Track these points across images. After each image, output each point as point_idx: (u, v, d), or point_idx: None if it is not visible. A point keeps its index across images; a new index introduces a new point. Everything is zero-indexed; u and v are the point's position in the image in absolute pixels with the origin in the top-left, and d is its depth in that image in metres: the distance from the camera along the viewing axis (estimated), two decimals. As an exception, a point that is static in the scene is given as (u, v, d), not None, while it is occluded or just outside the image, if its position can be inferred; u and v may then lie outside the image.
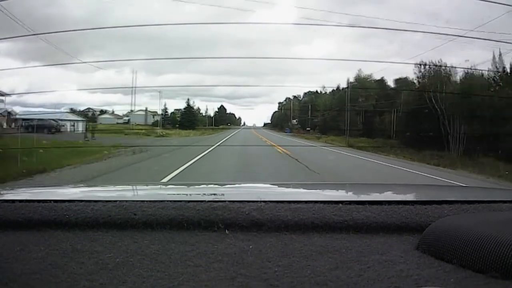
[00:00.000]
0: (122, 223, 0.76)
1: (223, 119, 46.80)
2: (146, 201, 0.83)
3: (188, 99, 35.87)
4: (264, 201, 0.80)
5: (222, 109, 46.11)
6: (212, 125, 41.43)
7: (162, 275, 0.61)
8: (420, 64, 21.13)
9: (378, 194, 1.22)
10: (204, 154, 13.66)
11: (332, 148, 19.73)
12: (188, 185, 1.60)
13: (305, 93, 36.37)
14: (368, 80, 26.71)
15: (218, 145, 18.46)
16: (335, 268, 0.63)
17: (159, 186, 1.49)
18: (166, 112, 34.91)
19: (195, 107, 37.13)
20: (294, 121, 38.38)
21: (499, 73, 18.13)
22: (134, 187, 1.36)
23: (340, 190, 1.38)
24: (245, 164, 11.38)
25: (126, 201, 0.82)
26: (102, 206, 0.79)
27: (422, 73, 21.58)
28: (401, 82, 24.65)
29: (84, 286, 0.58)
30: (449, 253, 0.63)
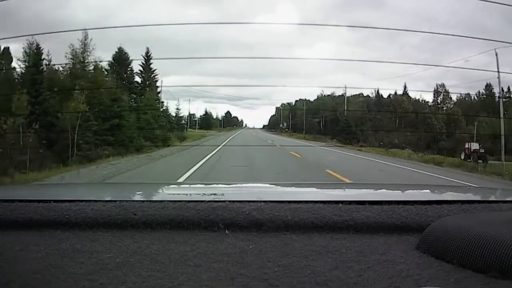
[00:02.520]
0: (122, 223, 0.76)
1: (229, 122, 61.55)
2: (146, 201, 0.83)
3: (206, 109, 49.49)
4: (264, 201, 0.80)
5: (228, 113, 61.50)
6: (221, 127, 55.33)
7: (162, 275, 0.61)
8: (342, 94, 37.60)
9: (378, 194, 1.21)
10: (234, 135, 36.81)
11: (288, 138, 35.16)
12: (188, 185, 1.60)
13: (296, 101, 46.63)
14: (330, 96, 40.27)
15: (236, 135, 39.32)
16: (335, 268, 0.63)
17: (159, 186, 1.49)
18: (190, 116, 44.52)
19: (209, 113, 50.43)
20: (285, 124, 48.75)
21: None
22: (134, 187, 1.36)
23: (340, 190, 1.38)
24: (245, 137, 32.81)
25: (126, 201, 0.82)
26: (102, 206, 0.79)
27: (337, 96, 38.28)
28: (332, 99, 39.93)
29: (84, 286, 0.58)
30: (449, 253, 0.63)
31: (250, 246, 0.69)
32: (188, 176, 8.97)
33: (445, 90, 29.90)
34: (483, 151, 18.86)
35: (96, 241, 0.71)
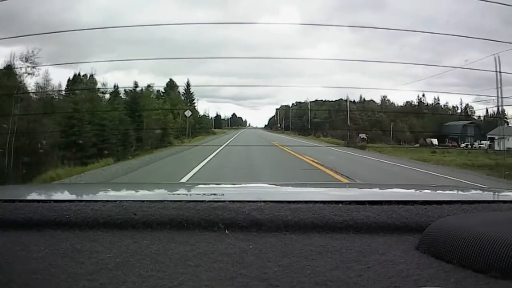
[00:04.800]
0: (122, 223, 0.76)
1: (235, 122, 72.35)
2: (146, 201, 0.83)
3: (217, 112, 57.67)
4: (264, 201, 0.80)
5: (234, 115, 72.05)
6: (229, 126, 63.90)
7: (162, 275, 0.61)
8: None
9: (378, 194, 1.21)
10: (240, 132, 42.74)
11: (274, 134, 43.36)
12: (188, 185, 1.60)
13: (293, 104, 54.13)
14: (310, 102, 48.38)
15: (241, 132, 44.55)
16: (335, 268, 0.63)
17: (159, 186, 1.49)
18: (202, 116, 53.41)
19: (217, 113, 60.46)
20: (279, 124, 57.98)
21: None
22: (134, 187, 1.36)
23: (340, 190, 1.38)
24: (246, 134, 40.06)
25: (126, 201, 0.82)
26: (102, 206, 0.79)
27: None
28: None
29: (84, 286, 0.58)
30: (449, 253, 0.63)
31: (250, 246, 0.69)
32: (236, 136, 31.33)
33: (388, 99, 42.29)
34: (366, 138, 32.91)
35: (96, 241, 0.71)
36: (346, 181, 8.47)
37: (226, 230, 0.74)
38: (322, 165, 11.40)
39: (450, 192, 1.35)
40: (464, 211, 0.82)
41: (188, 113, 28.58)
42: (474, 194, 1.23)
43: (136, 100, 21.45)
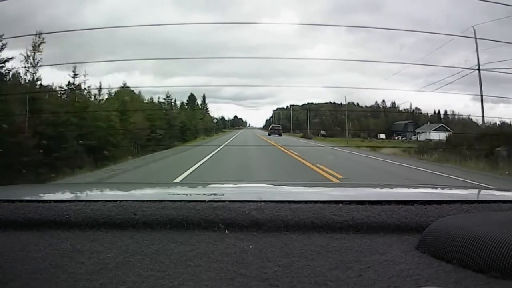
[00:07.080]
0: (122, 223, 0.76)
1: (236, 123, 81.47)
2: (146, 201, 0.83)
3: (222, 115, 66.83)
4: (264, 201, 0.80)
5: (235, 117, 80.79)
6: (231, 127, 71.06)
7: (162, 275, 0.61)
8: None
9: (378, 194, 1.21)
10: (241, 132, 49.25)
11: (265, 132, 50.05)
12: (188, 185, 1.60)
13: (287, 106, 62.23)
14: (298, 106, 57.14)
15: (241, 132, 50.12)
16: (335, 268, 0.63)
17: (159, 186, 1.49)
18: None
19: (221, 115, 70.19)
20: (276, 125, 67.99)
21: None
22: (134, 187, 1.36)
23: (340, 190, 1.38)
24: (245, 133, 44.96)
25: (126, 201, 0.82)
26: (102, 206, 0.79)
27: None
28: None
29: (84, 286, 0.58)
30: (449, 253, 0.63)
31: (250, 246, 0.69)
32: (240, 133, 44.02)
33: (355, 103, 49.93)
34: (325, 134, 41.73)
35: (96, 241, 0.71)
36: (272, 142, 19.64)
37: (226, 230, 0.74)
38: (270, 141, 22.27)
39: (450, 192, 1.35)
40: (464, 211, 0.82)
41: (215, 120, 43.39)
42: (474, 194, 1.23)
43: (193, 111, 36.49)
